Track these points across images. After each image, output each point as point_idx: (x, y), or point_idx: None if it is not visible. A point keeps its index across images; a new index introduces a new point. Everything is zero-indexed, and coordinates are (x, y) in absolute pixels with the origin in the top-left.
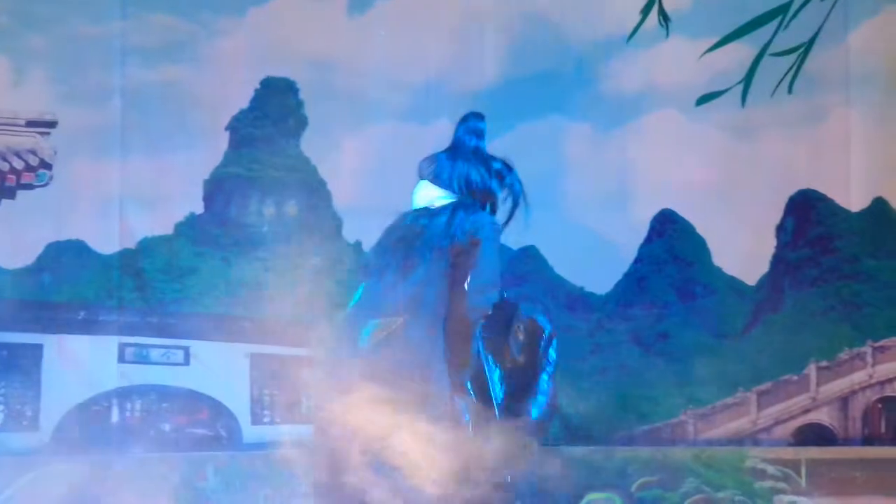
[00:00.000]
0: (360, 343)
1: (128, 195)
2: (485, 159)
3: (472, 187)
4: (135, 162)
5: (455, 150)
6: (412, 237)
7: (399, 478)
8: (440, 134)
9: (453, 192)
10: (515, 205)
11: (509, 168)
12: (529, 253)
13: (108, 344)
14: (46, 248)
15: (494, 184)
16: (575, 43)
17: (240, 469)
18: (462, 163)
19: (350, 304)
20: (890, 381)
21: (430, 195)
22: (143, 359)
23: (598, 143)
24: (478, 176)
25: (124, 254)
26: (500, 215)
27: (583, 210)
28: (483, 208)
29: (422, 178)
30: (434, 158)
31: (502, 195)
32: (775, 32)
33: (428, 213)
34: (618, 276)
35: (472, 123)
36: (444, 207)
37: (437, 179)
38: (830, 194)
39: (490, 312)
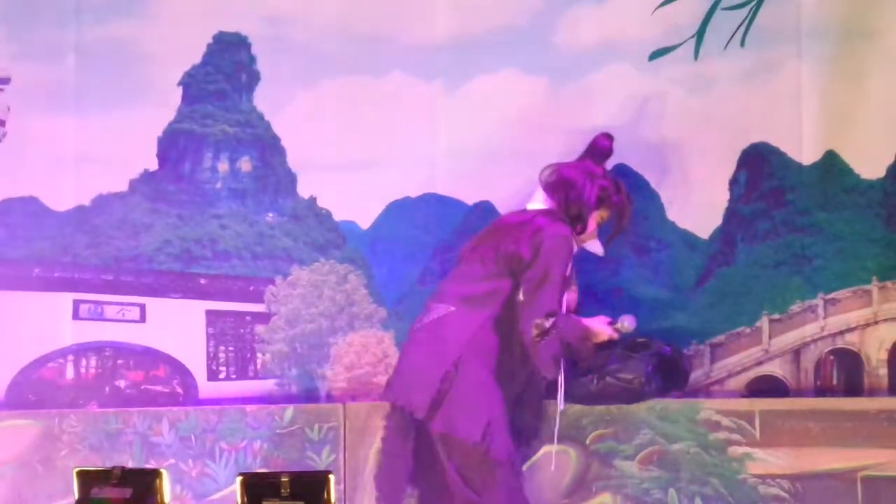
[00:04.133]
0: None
1: (82, 152)
2: (594, 178)
3: (567, 200)
4: (89, 118)
5: (574, 164)
6: (485, 237)
7: None
8: (393, 87)
9: (553, 200)
10: (621, 219)
11: (618, 189)
12: (485, 208)
13: (63, 301)
14: None
15: (591, 201)
16: None
17: (195, 424)
18: (570, 177)
19: None
20: (841, 333)
21: (537, 199)
22: (98, 316)
23: (552, 97)
24: (577, 192)
25: (78, 210)
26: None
27: (538, 164)
28: (572, 221)
29: (539, 182)
30: (552, 167)
31: (603, 213)
32: None
33: (520, 214)
34: None
35: (600, 143)
36: (531, 213)
37: (545, 186)
38: (783, 147)
39: (542, 322)
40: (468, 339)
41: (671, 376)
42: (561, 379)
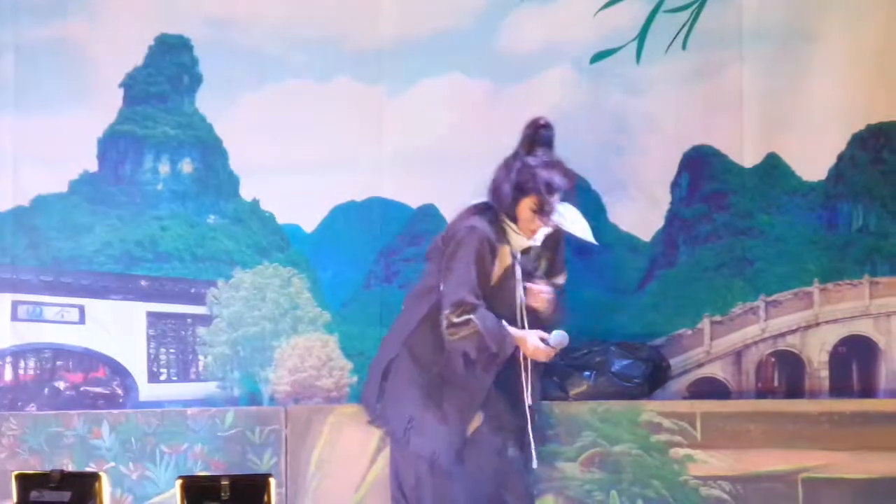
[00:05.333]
0: None
1: (21, 152)
2: (509, 167)
3: (492, 193)
4: (28, 118)
5: (510, 155)
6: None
7: None
8: (338, 91)
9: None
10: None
11: (538, 174)
12: (428, 212)
13: (1, 302)
14: None
15: (505, 191)
16: (471, 1)
17: (135, 427)
18: (501, 168)
19: None
20: (782, 335)
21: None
22: (36, 317)
23: (496, 100)
24: (495, 184)
25: (17, 211)
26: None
27: (481, 168)
28: (499, 212)
29: None
30: None
31: (534, 199)
32: None
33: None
34: None
35: (525, 130)
36: (465, 209)
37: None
38: (724, 150)
39: (450, 312)
40: (407, 335)
41: (658, 378)
42: (525, 376)
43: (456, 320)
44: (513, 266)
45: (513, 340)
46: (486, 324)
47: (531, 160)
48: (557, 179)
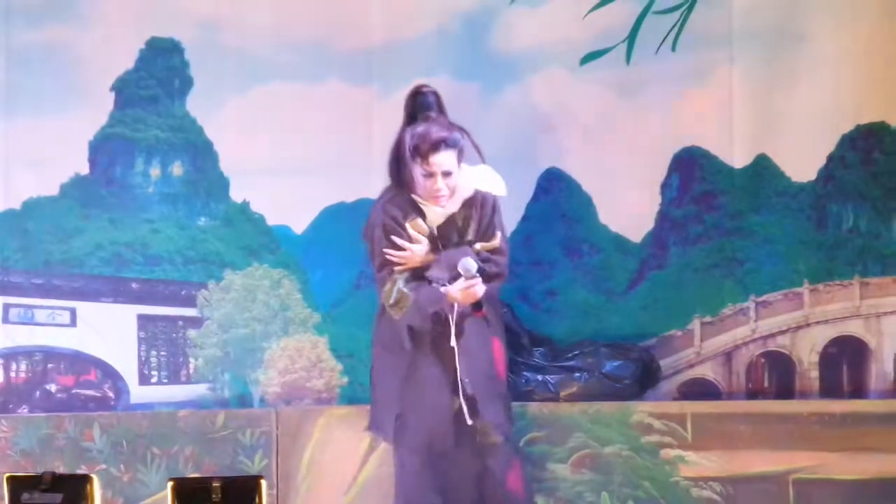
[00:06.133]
0: None
1: (12, 156)
2: (396, 140)
3: (390, 170)
4: (19, 122)
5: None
6: None
7: None
8: (328, 93)
9: None
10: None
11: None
12: None
13: None
14: None
15: (397, 166)
16: (461, 2)
17: (126, 429)
18: (394, 144)
19: None
20: (773, 335)
21: None
22: (28, 319)
23: (486, 102)
24: (391, 159)
25: (8, 214)
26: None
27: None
28: (403, 188)
29: None
30: None
31: (423, 164)
32: None
33: None
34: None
35: (406, 101)
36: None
37: None
38: (714, 151)
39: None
40: (375, 331)
41: (648, 379)
42: (458, 351)
43: (392, 301)
44: (432, 238)
45: (446, 295)
46: (419, 290)
47: (407, 129)
48: (434, 133)
